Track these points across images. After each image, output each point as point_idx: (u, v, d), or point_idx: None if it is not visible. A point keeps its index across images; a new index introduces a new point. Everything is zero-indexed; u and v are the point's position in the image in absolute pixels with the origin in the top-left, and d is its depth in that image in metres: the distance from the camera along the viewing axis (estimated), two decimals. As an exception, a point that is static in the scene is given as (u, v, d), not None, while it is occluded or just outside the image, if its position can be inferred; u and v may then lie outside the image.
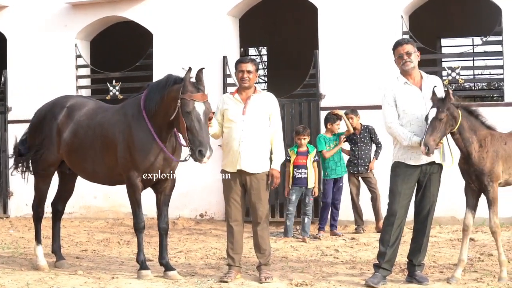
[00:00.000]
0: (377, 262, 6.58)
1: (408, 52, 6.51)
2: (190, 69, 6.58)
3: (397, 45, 6.62)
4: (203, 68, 6.70)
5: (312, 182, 9.71)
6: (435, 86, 6.39)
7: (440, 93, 6.36)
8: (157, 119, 6.82)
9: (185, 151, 7.03)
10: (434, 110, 6.24)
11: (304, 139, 9.75)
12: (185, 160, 6.84)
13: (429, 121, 6.24)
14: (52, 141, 7.52)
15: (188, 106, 6.49)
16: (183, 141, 7.07)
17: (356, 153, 10.23)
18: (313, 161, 9.74)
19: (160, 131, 6.85)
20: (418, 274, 6.51)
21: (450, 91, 6.32)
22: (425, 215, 6.54)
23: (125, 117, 7.03)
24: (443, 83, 12.33)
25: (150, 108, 6.84)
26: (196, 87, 6.58)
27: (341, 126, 10.20)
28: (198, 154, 6.42)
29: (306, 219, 9.69)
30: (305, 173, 9.68)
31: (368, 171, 10.22)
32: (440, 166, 6.53)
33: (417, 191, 6.59)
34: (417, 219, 6.61)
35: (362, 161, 10.22)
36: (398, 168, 6.57)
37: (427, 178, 6.51)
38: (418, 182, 6.55)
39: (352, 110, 10.27)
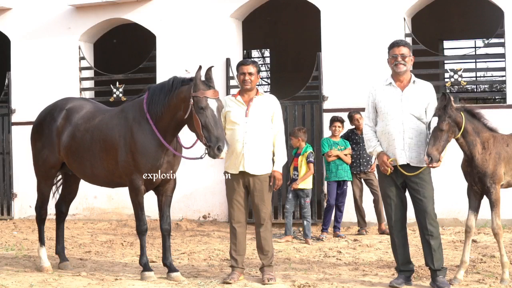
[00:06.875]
0: (396, 265, 6.57)
1: (403, 54, 6.39)
2: (200, 67, 6.66)
3: (394, 45, 6.49)
4: (212, 66, 6.83)
5: (305, 183, 9.76)
6: (443, 93, 6.27)
7: (439, 101, 6.28)
8: (163, 122, 6.84)
9: (188, 150, 7.08)
10: (436, 119, 6.20)
11: (298, 140, 9.83)
12: (201, 157, 6.83)
13: (430, 131, 6.21)
14: (52, 144, 7.54)
15: (202, 103, 6.57)
16: (183, 142, 7.13)
17: (358, 152, 10.25)
18: (308, 162, 9.78)
19: (165, 135, 6.87)
20: (439, 280, 6.35)
21: (451, 98, 6.24)
22: (423, 219, 6.35)
23: (126, 121, 7.02)
24: (445, 86, 12.36)
25: (156, 111, 6.85)
26: (207, 85, 6.68)
27: (344, 126, 10.28)
28: (217, 149, 6.46)
29: (305, 222, 9.68)
30: (296, 175, 9.77)
31: (369, 171, 10.24)
32: (427, 169, 6.39)
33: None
34: (418, 224, 6.49)
35: (363, 160, 10.23)
36: (380, 171, 6.55)
37: (409, 181, 6.38)
38: (404, 185, 6.47)
39: (356, 111, 10.32)
